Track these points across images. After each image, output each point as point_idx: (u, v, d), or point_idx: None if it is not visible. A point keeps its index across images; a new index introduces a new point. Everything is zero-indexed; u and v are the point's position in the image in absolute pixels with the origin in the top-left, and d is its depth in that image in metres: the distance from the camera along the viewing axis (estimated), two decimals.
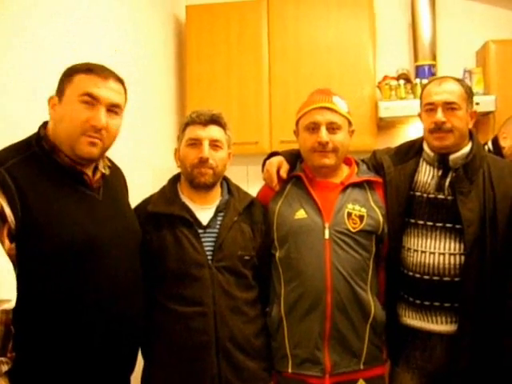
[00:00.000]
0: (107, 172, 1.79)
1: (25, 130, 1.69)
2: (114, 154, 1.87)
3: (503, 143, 2.88)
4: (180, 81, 3.82)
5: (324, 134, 2.01)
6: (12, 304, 1.39)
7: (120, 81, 1.71)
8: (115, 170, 1.91)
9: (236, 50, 3.64)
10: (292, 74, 3.56)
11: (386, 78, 3.54)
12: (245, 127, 3.54)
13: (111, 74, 1.68)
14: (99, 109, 1.61)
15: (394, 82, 3.43)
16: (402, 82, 3.42)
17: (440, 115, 2.02)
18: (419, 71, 3.49)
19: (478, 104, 3.24)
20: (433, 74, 3.42)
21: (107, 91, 1.64)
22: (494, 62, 3.46)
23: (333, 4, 3.56)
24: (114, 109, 1.67)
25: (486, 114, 3.36)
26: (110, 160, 1.87)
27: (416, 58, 3.61)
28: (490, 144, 2.95)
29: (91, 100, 1.61)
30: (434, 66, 3.50)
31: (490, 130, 3.27)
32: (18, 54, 2.01)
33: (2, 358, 1.36)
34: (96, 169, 1.73)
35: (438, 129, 2.03)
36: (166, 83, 3.67)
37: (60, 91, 1.64)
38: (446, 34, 3.73)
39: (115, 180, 1.88)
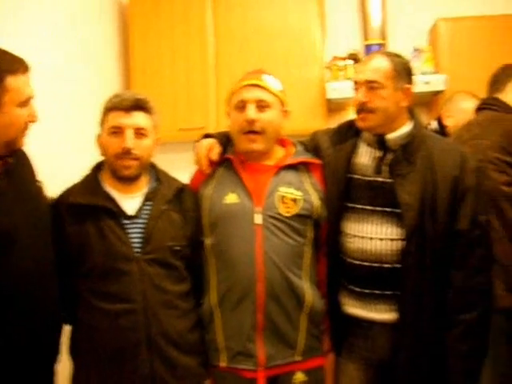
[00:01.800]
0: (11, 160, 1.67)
1: None
2: (53, 139, 1.77)
3: (447, 122, 2.83)
4: (124, 65, 3.72)
5: (252, 111, 1.91)
6: None
7: None
8: (22, 158, 1.77)
9: (181, 33, 3.57)
10: (239, 57, 3.49)
11: (335, 58, 3.50)
12: (191, 113, 3.51)
13: None
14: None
15: (341, 63, 3.38)
16: (350, 62, 3.37)
17: (360, 95, 1.94)
18: (368, 51, 3.44)
19: (427, 83, 3.24)
20: None
21: None
22: (445, 41, 3.44)
23: None
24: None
25: (437, 93, 3.32)
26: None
27: (366, 38, 3.57)
28: (434, 123, 2.90)
29: None
30: (383, 45, 3.46)
31: (440, 110, 3.21)
32: None
33: None
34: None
35: (361, 109, 1.95)
36: (109, 68, 3.58)
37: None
38: (397, 13, 3.71)
39: (21, 167, 1.75)
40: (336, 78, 3.38)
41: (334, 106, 3.49)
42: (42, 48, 2.60)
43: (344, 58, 3.45)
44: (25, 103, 1.59)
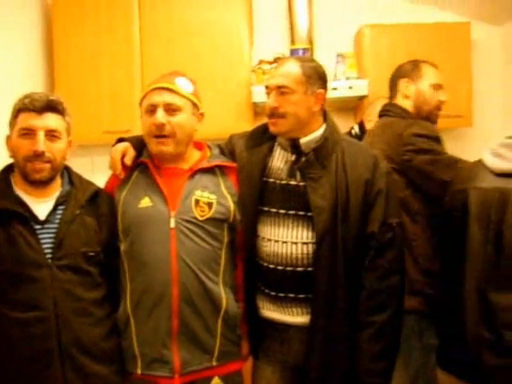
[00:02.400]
0: None
1: None
2: None
3: (368, 126, 2.90)
4: (47, 65, 3.63)
5: (160, 115, 1.91)
6: None
7: None
8: None
9: (106, 32, 3.49)
10: (165, 58, 3.44)
11: (261, 62, 3.52)
12: (116, 115, 3.46)
13: None
14: None
15: (267, 66, 3.40)
16: (275, 65, 3.36)
17: (271, 100, 1.97)
18: (294, 55, 3.45)
19: (351, 88, 3.31)
20: None
21: None
22: (368, 47, 3.50)
23: None
24: None
25: (361, 97, 3.39)
26: None
27: (293, 42, 3.61)
28: (356, 127, 2.96)
29: None
30: (308, 49, 3.50)
31: (362, 114, 3.28)
32: None
33: None
34: None
35: (272, 114, 1.97)
36: (33, 68, 3.50)
37: None
38: (323, 18, 3.76)
39: None
40: (262, 81, 3.39)
41: (260, 110, 3.48)
42: None
43: (270, 62, 3.47)
44: None
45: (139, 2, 3.48)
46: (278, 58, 3.44)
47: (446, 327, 1.96)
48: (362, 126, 2.95)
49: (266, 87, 2.01)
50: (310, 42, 3.60)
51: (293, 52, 3.51)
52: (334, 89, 3.27)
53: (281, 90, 1.95)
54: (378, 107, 2.65)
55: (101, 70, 3.48)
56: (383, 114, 2.48)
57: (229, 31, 3.48)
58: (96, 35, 3.48)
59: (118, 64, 3.49)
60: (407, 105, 2.42)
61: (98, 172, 2.06)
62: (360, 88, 3.32)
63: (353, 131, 3.02)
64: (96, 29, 3.49)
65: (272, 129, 2.00)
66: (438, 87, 2.43)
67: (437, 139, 2.29)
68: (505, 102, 1.99)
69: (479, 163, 1.92)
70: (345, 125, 3.37)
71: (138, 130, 3.18)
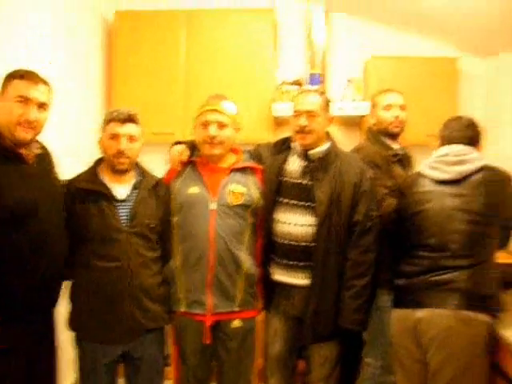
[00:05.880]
0: (39, 151, 2.30)
1: None
2: (53, 141, 2.39)
3: None
4: (108, 78, 4.21)
5: (213, 130, 2.51)
6: None
7: (47, 84, 2.25)
8: (46, 151, 2.40)
9: (158, 52, 4.06)
10: (206, 77, 4.01)
11: (283, 83, 4.08)
12: (162, 120, 4.02)
13: (39, 79, 2.22)
14: (31, 107, 2.17)
15: (288, 87, 3.99)
16: (295, 87, 3.99)
17: (302, 121, 2.59)
18: (311, 79, 4.06)
19: (356, 108, 3.90)
20: (321, 82, 4.03)
21: (37, 93, 2.19)
22: (374, 75, 4.06)
23: (240, 20, 4.11)
24: (42, 106, 2.22)
25: (364, 116, 3.92)
26: (42, 144, 2.37)
27: (311, 68, 4.15)
28: None
29: (24, 100, 2.16)
30: (323, 74, 4.08)
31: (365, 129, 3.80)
32: None
33: None
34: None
35: (301, 131, 2.60)
36: (95, 79, 4.08)
37: (1, 91, 2.18)
38: (337, 49, 4.31)
39: (46, 158, 2.38)
40: (282, 99, 3.97)
41: (279, 121, 4.09)
42: (41, 59, 3.16)
43: (291, 83, 4.04)
44: (21, 101, 2.13)
45: (187, 28, 4.06)
46: (297, 80, 4.05)
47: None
48: None
49: (296, 111, 2.63)
50: (325, 68, 4.15)
51: (311, 76, 4.06)
52: (342, 108, 3.88)
53: (309, 114, 2.58)
54: None
55: (152, 84, 4.04)
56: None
57: (258, 57, 4.03)
58: (150, 54, 4.06)
59: (167, 80, 4.05)
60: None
61: (148, 166, 2.66)
62: (363, 108, 3.82)
63: None
64: (150, 49, 4.07)
65: (300, 141, 2.62)
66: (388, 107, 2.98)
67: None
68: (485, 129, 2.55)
69: (418, 175, 2.58)
70: (350, 136, 4.04)
71: (179, 132, 3.85)
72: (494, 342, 2.31)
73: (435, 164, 2.51)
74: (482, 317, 2.28)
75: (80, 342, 2.46)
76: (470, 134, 2.54)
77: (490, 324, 2.29)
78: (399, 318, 2.47)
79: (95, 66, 4.09)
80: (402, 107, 3.00)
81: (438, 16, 3.88)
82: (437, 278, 2.34)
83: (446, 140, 2.56)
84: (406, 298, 2.44)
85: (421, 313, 2.34)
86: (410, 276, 2.44)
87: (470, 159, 2.44)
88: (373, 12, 4.25)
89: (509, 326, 2.33)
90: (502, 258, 2.83)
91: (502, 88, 4.18)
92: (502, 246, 2.56)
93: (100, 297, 2.38)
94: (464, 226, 2.36)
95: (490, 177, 2.42)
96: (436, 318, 2.29)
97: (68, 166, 2.58)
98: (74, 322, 2.47)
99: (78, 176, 2.50)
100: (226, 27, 4.09)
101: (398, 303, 2.51)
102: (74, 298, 2.47)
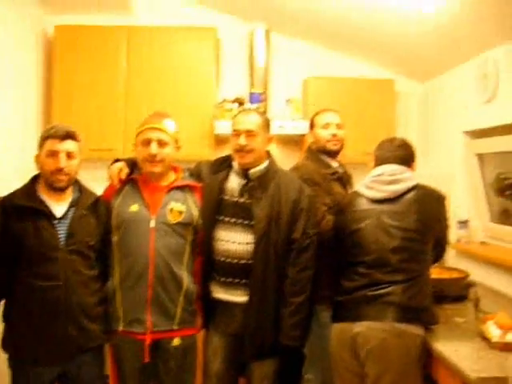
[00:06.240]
0: None
1: None
2: None
3: None
4: (46, 95, 4.17)
5: (154, 148, 2.52)
6: None
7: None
8: None
9: (98, 67, 4.06)
10: (147, 94, 4.03)
11: (224, 100, 4.14)
12: (102, 136, 4.00)
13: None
14: None
15: (228, 105, 4.05)
16: (235, 105, 4.06)
17: (241, 140, 2.63)
18: (252, 97, 4.15)
19: (295, 127, 3.97)
20: (261, 101, 4.11)
21: None
22: (312, 94, 4.20)
23: (182, 38, 4.15)
24: None
25: (302, 135, 4.03)
26: None
27: (252, 87, 4.24)
28: None
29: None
30: (263, 93, 4.16)
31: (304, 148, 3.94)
32: None
33: None
34: None
35: (240, 150, 2.64)
36: (33, 96, 4.02)
37: None
38: (277, 69, 4.42)
39: None
40: (223, 116, 4.02)
41: (220, 139, 4.13)
42: None
43: (232, 101, 4.10)
44: None
45: (127, 46, 4.07)
46: (238, 99, 4.11)
47: None
48: None
49: (235, 130, 2.66)
50: (265, 87, 4.24)
51: (252, 94, 4.14)
52: (282, 127, 3.96)
53: (249, 133, 2.63)
54: None
55: (92, 100, 4.02)
56: None
57: (199, 74, 4.08)
58: (90, 70, 4.04)
59: (106, 96, 4.03)
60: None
61: (87, 182, 2.65)
62: (303, 127, 3.93)
63: None
64: (91, 64, 4.05)
65: (240, 160, 2.65)
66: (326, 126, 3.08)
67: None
68: (418, 149, 2.65)
69: (355, 194, 2.68)
70: (290, 155, 4.11)
71: (118, 148, 3.84)
72: (426, 354, 2.38)
73: (371, 184, 2.60)
74: (416, 329, 2.36)
75: (14, 363, 2.41)
76: (402, 155, 2.64)
77: (423, 336, 2.37)
78: (338, 331, 2.52)
79: (34, 80, 4.04)
80: (339, 126, 3.10)
81: (375, 40, 4.02)
82: (375, 292, 2.41)
83: (380, 160, 2.65)
84: (345, 313, 2.50)
85: (359, 326, 2.39)
86: (350, 292, 2.50)
87: (404, 178, 2.54)
88: (312, 34, 4.35)
89: (441, 338, 2.41)
90: (435, 273, 2.96)
91: (434, 109, 4.37)
92: (436, 261, 2.68)
93: (36, 316, 2.34)
94: (399, 242, 2.45)
95: (423, 195, 2.53)
96: (372, 331, 2.35)
97: (7, 183, 2.54)
98: (7, 343, 2.42)
99: (14, 192, 2.46)
100: (167, 44, 4.12)
101: (337, 318, 2.56)
102: (8, 317, 2.42)
